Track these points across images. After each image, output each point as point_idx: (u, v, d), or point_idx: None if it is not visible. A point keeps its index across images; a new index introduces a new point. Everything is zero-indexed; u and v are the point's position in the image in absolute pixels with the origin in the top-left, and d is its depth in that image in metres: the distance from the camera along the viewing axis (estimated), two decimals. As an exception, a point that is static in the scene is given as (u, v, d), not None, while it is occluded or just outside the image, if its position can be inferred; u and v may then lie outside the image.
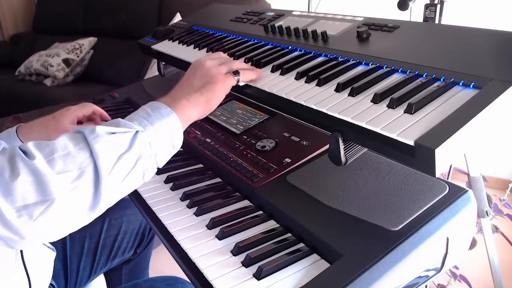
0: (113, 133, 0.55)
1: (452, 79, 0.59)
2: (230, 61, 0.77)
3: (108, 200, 0.55)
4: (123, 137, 0.55)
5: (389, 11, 1.16)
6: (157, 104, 0.62)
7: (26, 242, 0.51)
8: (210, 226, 0.70)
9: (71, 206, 0.51)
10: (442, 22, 1.12)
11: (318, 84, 0.69)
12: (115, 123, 0.58)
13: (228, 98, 1.11)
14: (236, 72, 0.73)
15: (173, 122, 0.61)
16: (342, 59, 0.74)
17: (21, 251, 0.70)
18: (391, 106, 0.58)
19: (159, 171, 0.90)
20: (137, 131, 0.57)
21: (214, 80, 0.70)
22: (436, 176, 0.55)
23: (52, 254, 0.85)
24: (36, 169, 0.49)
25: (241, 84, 0.77)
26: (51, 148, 0.52)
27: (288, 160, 0.80)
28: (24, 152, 0.51)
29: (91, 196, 0.53)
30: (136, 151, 0.55)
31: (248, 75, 0.76)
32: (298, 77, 0.73)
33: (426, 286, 1.20)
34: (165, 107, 0.62)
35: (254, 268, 0.60)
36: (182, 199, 0.80)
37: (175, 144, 0.62)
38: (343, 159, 0.63)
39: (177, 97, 0.66)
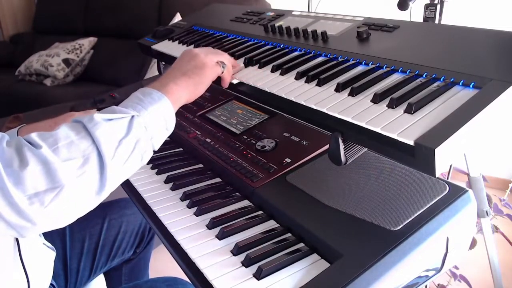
0: (111, 119, 0.57)
1: (452, 79, 0.59)
2: (218, 52, 0.80)
3: (113, 183, 0.57)
4: (120, 122, 0.57)
5: (389, 11, 1.16)
6: (148, 90, 0.64)
7: (37, 229, 0.53)
8: (210, 226, 0.70)
9: (80, 191, 0.53)
10: (442, 22, 1.12)
11: (318, 84, 0.69)
12: (110, 110, 0.60)
13: (228, 98, 1.11)
14: (222, 64, 0.77)
15: (165, 106, 0.63)
16: (342, 59, 0.74)
17: (20, 251, 0.70)
18: (391, 106, 0.58)
19: (159, 171, 0.90)
20: (132, 116, 0.59)
21: (203, 65, 0.73)
22: (436, 176, 0.55)
23: (52, 254, 0.85)
24: (44, 158, 0.51)
25: (234, 81, 0.81)
26: (55, 138, 0.53)
27: (288, 160, 0.80)
28: (29, 143, 0.53)
29: (97, 180, 0.55)
30: (134, 135, 0.58)
31: (229, 72, 0.80)
32: (298, 77, 0.73)
33: (426, 286, 1.20)
34: (156, 91, 0.64)
35: (254, 268, 0.60)
36: (182, 199, 0.80)
37: (169, 126, 0.64)
38: (343, 159, 0.63)
39: (165, 82, 0.68)
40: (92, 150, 0.54)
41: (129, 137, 0.57)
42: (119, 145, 0.56)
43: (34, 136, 0.53)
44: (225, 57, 0.80)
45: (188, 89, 0.69)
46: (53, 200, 0.51)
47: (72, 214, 0.56)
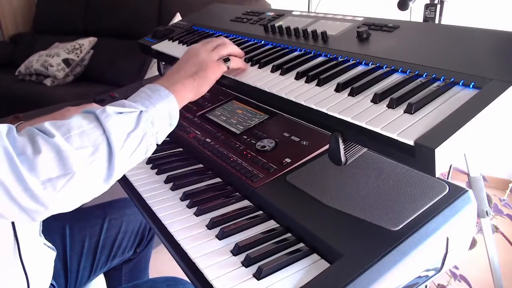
0: (121, 113, 0.60)
1: (452, 79, 0.59)
2: (221, 46, 0.80)
3: (119, 172, 0.60)
4: (130, 116, 0.60)
5: (389, 11, 1.16)
6: (156, 86, 0.67)
7: (48, 212, 0.55)
8: (210, 226, 0.70)
9: (89, 178, 0.56)
10: (442, 22, 1.12)
11: (318, 84, 0.69)
12: (120, 104, 0.62)
13: (228, 98, 1.11)
14: (226, 59, 0.79)
15: (171, 103, 0.66)
16: (342, 59, 0.74)
17: (19, 252, 0.70)
18: (391, 106, 0.58)
19: (159, 171, 0.90)
20: (141, 111, 0.62)
21: (206, 67, 0.75)
22: (436, 176, 0.55)
23: (53, 254, 0.85)
24: (57, 146, 0.53)
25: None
26: (67, 127, 0.56)
27: (288, 160, 0.80)
28: (42, 132, 0.55)
29: (106, 169, 0.58)
30: (141, 129, 0.61)
31: (237, 62, 0.81)
32: (298, 77, 0.73)
33: (426, 286, 1.20)
34: (163, 89, 0.67)
35: (254, 268, 0.60)
36: (182, 199, 0.80)
37: (172, 122, 0.67)
38: (343, 159, 0.63)
39: (173, 81, 0.71)
40: (103, 140, 0.57)
41: (137, 130, 0.60)
42: (127, 138, 0.59)
43: (47, 125, 0.56)
44: (228, 49, 0.80)
45: (193, 90, 0.72)
46: (65, 186, 0.54)
47: (81, 199, 0.58)
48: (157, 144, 0.65)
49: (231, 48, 0.81)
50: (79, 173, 0.54)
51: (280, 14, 1.02)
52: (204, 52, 0.77)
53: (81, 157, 0.54)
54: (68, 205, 0.57)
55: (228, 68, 0.79)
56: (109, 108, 0.59)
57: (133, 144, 0.60)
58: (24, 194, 0.51)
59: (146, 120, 0.61)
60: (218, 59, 0.78)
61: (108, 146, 0.57)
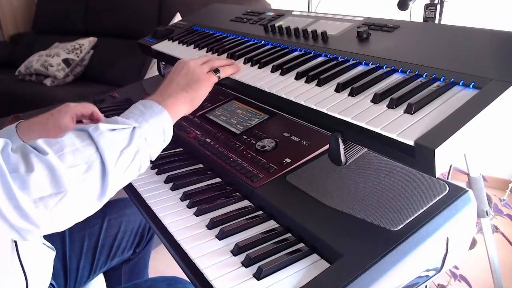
0: (114, 129, 0.59)
1: (452, 79, 0.59)
2: (211, 59, 0.82)
3: (113, 190, 0.59)
4: (123, 133, 0.60)
5: (389, 11, 1.16)
6: (149, 102, 0.67)
7: (40, 232, 0.54)
8: (210, 226, 0.70)
9: (82, 197, 0.56)
10: (442, 22, 1.12)
11: (318, 84, 0.69)
12: (113, 120, 0.62)
13: (228, 98, 1.11)
14: (216, 70, 0.80)
15: (165, 119, 0.66)
16: (342, 59, 0.74)
17: (18, 251, 0.70)
18: (391, 106, 0.58)
19: (159, 171, 0.90)
20: (134, 127, 0.61)
21: (199, 80, 0.76)
22: (436, 176, 0.55)
23: (52, 254, 0.85)
24: (50, 164, 0.53)
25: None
26: (60, 145, 0.55)
27: (288, 160, 0.80)
28: (35, 149, 0.54)
29: (99, 187, 0.57)
30: (134, 145, 0.60)
31: (227, 71, 0.82)
32: (298, 77, 0.73)
33: (426, 286, 1.20)
34: (156, 105, 0.67)
35: (254, 268, 0.60)
36: (182, 199, 0.80)
37: (166, 138, 0.67)
38: (343, 159, 0.63)
39: (166, 96, 0.71)
40: (96, 158, 0.56)
41: (130, 147, 0.60)
42: (121, 155, 0.58)
43: (40, 142, 0.55)
44: (217, 62, 0.82)
45: (186, 103, 0.73)
46: (57, 204, 0.53)
47: (74, 218, 0.58)
48: (150, 161, 0.65)
49: (220, 61, 0.83)
50: (72, 191, 0.54)
51: (280, 14, 1.02)
52: (194, 64, 0.78)
53: (74, 175, 0.54)
54: (60, 225, 0.56)
55: (219, 78, 0.80)
56: (102, 125, 0.59)
57: (126, 160, 0.59)
58: (14, 212, 0.50)
59: (139, 136, 0.61)
60: (208, 71, 0.79)
61: (102, 163, 0.56)
